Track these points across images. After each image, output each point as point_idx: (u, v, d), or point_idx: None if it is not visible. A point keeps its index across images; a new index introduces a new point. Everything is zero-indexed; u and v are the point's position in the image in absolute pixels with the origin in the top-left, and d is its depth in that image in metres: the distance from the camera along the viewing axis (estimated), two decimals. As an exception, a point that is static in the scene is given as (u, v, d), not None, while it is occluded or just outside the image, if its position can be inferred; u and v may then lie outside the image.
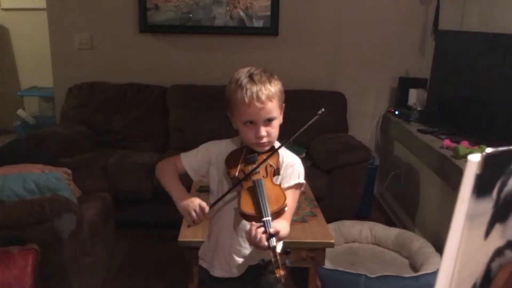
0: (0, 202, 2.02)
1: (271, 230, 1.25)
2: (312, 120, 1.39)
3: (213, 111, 3.55)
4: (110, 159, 3.31)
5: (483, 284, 0.66)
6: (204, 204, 1.40)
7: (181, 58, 3.92)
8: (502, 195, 0.60)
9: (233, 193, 1.45)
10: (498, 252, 0.66)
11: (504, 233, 0.65)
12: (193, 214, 1.38)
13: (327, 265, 2.36)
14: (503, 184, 0.60)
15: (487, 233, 0.62)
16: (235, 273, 1.53)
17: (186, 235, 2.13)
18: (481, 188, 0.56)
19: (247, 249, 1.51)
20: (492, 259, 0.66)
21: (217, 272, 1.56)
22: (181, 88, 3.77)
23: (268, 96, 1.38)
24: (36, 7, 4.83)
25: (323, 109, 1.38)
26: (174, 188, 1.48)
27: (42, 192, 2.13)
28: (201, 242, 1.68)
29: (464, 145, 2.62)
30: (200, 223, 1.42)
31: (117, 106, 3.71)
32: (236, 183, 1.41)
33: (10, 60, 5.36)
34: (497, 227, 0.63)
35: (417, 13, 3.85)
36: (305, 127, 1.38)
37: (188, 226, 1.44)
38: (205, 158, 1.53)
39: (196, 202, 1.40)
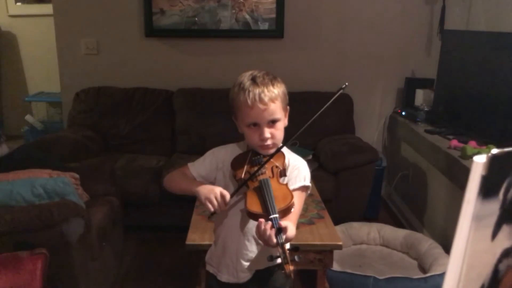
0: (8, 207, 2.03)
1: (280, 225, 1.25)
2: (336, 95, 1.42)
3: (219, 114, 3.55)
4: (117, 163, 3.33)
5: (491, 285, 0.65)
6: (225, 192, 1.40)
7: (187, 62, 3.93)
8: (509, 196, 0.60)
9: (239, 196, 1.46)
10: (506, 253, 0.65)
11: (511, 235, 0.64)
12: (215, 202, 1.37)
13: (335, 267, 2.36)
14: (510, 185, 0.59)
15: (494, 234, 0.61)
16: (242, 278, 1.53)
17: (194, 238, 2.13)
18: (487, 189, 0.56)
19: (254, 253, 1.51)
20: (499, 260, 0.65)
21: (224, 277, 1.56)
22: (187, 92, 3.78)
23: (271, 98, 1.39)
24: (43, 13, 4.88)
25: (346, 83, 1.41)
26: (192, 183, 1.49)
27: (50, 197, 2.14)
28: (209, 246, 1.68)
29: (471, 145, 2.61)
30: (221, 212, 1.42)
31: (124, 110, 3.73)
32: (243, 182, 1.42)
33: (17, 66, 5.41)
34: (504, 228, 0.62)
35: (422, 13, 3.84)
36: (328, 104, 1.42)
37: (209, 217, 1.44)
38: (212, 164, 1.55)
39: (217, 190, 1.39)
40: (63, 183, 2.22)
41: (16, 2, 5.28)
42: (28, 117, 4.76)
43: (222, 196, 1.38)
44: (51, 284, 1.94)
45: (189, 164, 1.57)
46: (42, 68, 5.15)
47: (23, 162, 2.51)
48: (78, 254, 2.12)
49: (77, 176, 2.45)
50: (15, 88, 5.39)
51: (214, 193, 1.39)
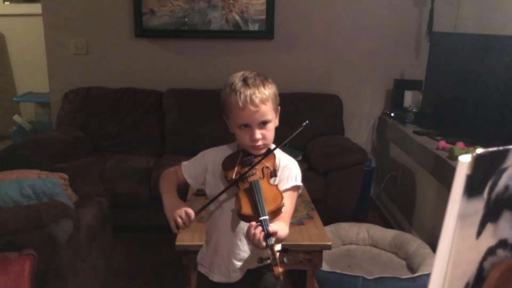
0: (-4, 208, 2.01)
1: (269, 229, 1.26)
2: (297, 131, 1.40)
3: (209, 115, 3.55)
4: (107, 163, 3.31)
5: (476, 283, 0.66)
6: (190, 210, 1.40)
7: (177, 62, 3.92)
8: (493, 195, 0.61)
9: (231, 196, 1.46)
10: (490, 251, 0.67)
11: (496, 233, 0.66)
12: (179, 220, 1.38)
13: (325, 267, 2.37)
14: (494, 184, 0.60)
15: (479, 232, 0.62)
16: (234, 277, 1.54)
17: (183, 239, 2.13)
18: (472, 189, 0.57)
19: (246, 253, 1.51)
20: (484, 258, 0.66)
21: (216, 277, 1.56)
22: (177, 92, 3.77)
23: (262, 99, 1.39)
24: (31, 13, 4.84)
25: (307, 122, 1.41)
26: (166, 194, 1.50)
27: (39, 197, 2.13)
28: (198, 246, 1.68)
29: (459, 146, 2.64)
30: (186, 228, 1.42)
31: (113, 111, 3.71)
32: (230, 184, 1.42)
33: (6, 66, 5.36)
34: (489, 227, 0.64)
35: (411, 15, 3.87)
36: (290, 137, 1.42)
37: (174, 233, 1.44)
38: (202, 166, 1.55)
39: (182, 209, 1.40)
40: (52, 184, 2.20)
41: (4, 1, 5.24)
42: (16, 117, 4.72)
43: (187, 215, 1.39)
44: (40, 285, 1.93)
45: (183, 164, 1.58)
46: (30, 68, 5.11)
47: (11, 162, 2.50)
48: (66, 255, 2.11)
49: (66, 176, 2.44)
50: (3, 88, 5.34)
51: (180, 211, 1.39)
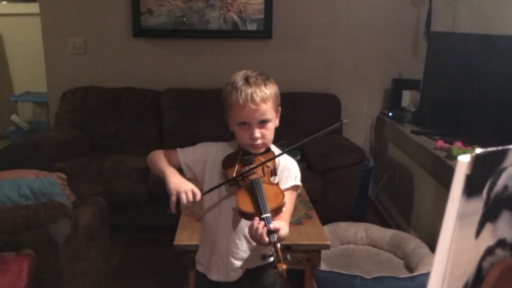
0: (-6, 208, 2.01)
1: (271, 226, 1.26)
2: (332, 128, 1.44)
3: (208, 114, 3.55)
4: (105, 163, 3.31)
5: (475, 282, 0.66)
6: (197, 190, 1.38)
7: (175, 62, 3.92)
8: (492, 195, 0.61)
9: (231, 195, 1.46)
10: (489, 251, 0.67)
11: (495, 232, 0.66)
12: (183, 196, 1.34)
13: (323, 267, 2.37)
14: (493, 184, 0.61)
15: (478, 232, 0.63)
16: (232, 277, 1.54)
17: (182, 238, 2.13)
18: (471, 188, 0.57)
19: (244, 252, 1.52)
20: (483, 258, 0.66)
21: (214, 276, 1.56)
22: (175, 92, 3.77)
23: (263, 98, 1.39)
24: (29, 12, 4.83)
25: (346, 120, 1.41)
26: (169, 168, 1.45)
27: (37, 197, 2.13)
28: (197, 246, 1.69)
29: (457, 145, 2.64)
30: (185, 209, 1.40)
31: (111, 111, 3.71)
32: (231, 179, 1.42)
33: (3, 65, 5.34)
34: (488, 227, 0.64)
35: (409, 15, 3.88)
36: (322, 132, 1.46)
37: (169, 211, 1.37)
38: (202, 157, 1.54)
39: (189, 185, 1.37)
40: (50, 184, 2.20)
41: (2, 1, 5.23)
42: (14, 117, 4.70)
43: (194, 193, 1.36)
44: (37, 285, 1.93)
45: (178, 149, 1.56)
46: (28, 68, 5.09)
47: (9, 162, 2.49)
48: (65, 255, 2.11)
49: (64, 176, 2.44)
50: (1, 88, 5.32)
51: (186, 187, 1.36)
